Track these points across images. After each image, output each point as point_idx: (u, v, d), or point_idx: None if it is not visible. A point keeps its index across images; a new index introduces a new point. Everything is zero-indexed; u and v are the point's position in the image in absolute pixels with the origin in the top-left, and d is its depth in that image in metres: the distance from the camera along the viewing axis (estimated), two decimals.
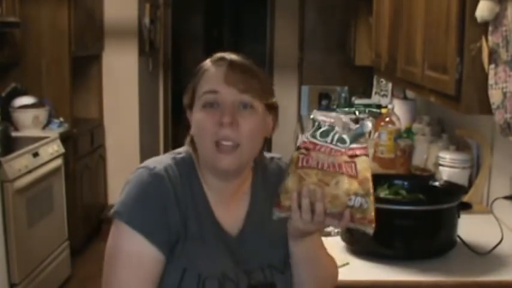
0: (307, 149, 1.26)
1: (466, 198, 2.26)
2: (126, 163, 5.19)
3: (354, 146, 1.26)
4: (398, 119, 3.41)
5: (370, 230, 1.23)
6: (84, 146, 4.85)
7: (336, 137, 1.27)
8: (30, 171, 3.69)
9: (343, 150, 1.25)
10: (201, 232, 1.33)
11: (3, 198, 3.39)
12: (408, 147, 3.12)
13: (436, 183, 2.19)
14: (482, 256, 2.01)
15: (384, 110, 3.50)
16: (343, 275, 1.86)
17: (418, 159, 3.04)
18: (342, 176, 1.23)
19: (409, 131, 3.29)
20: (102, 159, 5.35)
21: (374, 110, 4.59)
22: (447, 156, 2.66)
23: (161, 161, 1.36)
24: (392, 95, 4.31)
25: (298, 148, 1.27)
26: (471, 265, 1.96)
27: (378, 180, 2.21)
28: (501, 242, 2.05)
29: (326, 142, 1.27)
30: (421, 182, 2.24)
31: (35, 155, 3.82)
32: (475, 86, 1.80)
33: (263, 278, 1.37)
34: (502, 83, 1.70)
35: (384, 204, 1.97)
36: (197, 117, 1.33)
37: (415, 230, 1.97)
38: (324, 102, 5.57)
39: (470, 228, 2.14)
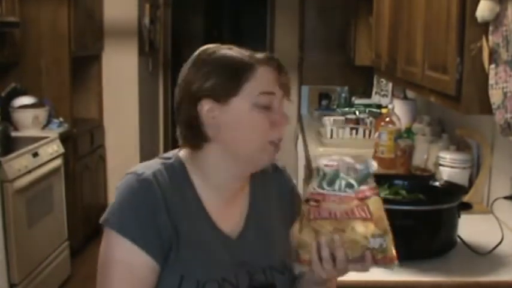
0: (316, 200, 1.25)
1: (466, 198, 2.26)
2: (126, 163, 5.16)
3: (362, 188, 1.26)
4: (398, 119, 3.41)
5: (393, 267, 1.24)
6: (84, 146, 4.85)
7: (343, 183, 1.26)
8: (30, 171, 3.69)
9: (352, 195, 1.25)
10: (195, 237, 1.30)
11: (3, 198, 3.39)
12: (408, 147, 3.11)
13: (436, 183, 2.19)
14: (483, 256, 2.00)
15: (384, 110, 3.49)
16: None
17: (418, 159, 3.03)
18: (356, 221, 1.23)
19: (409, 131, 3.29)
20: (102, 160, 5.35)
21: (374, 110, 4.59)
22: (447, 156, 2.65)
23: (150, 166, 1.32)
24: (393, 95, 4.31)
25: (307, 200, 1.26)
26: (471, 265, 1.95)
27: (378, 180, 2.20)
28: (501, 242, 2.04)
29: (334, 190, 1.26)
30: (421, 182, 2.23)
31: (35, 155, 3.82)
32: (476, 86, 1.79)
33: (264, 279, 1.36)
34: (502, 83, 1.69)
35: (384, 205, 1.96)
36: (249, 117, 1.28)
37: (415, 230, 1.96)
38: (324, 102, 5.57)
39: (470, 228, 2.13)
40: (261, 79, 1.29)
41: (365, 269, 1.25)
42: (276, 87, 1.30)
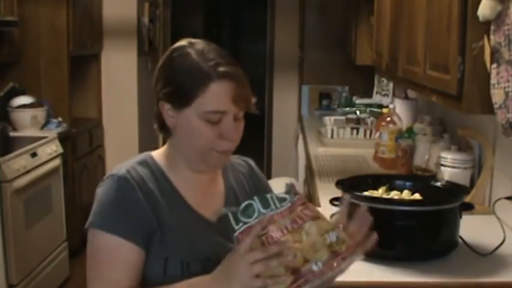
0: (263, 229, 1.22)
1: (467, 199, 2.24)
2: None
3: (296, 197, 1.27)
4: (399, 118, 3.40)
5: (361, 255, 1.26)
6: (82, 146, 4.84)
7: (276, 200, 1.26)
8: (28, 172, 3.68)
9: (290, 205, 1.25)
10: (176, 222, 1.40)
11: (1, 198, 3.38)
12: (409, 147, 3.10)
13: (438, 184, 2.17)
14: (484, 257, 1.99)
15: (385, 110, 3.48)
16: (343, 276, 1.85)
17: (419, 160, 3.02)
18: (308, 224, 1.23)
19: (410, 131, 3.27)
20: (101, 160, 5.33)
21: (375, 109, 4.58)
22: (449, 157, 2.64)
23: (124, 165, 1.44)
24: (394, 95, 4.29)
25: (260, 236, 1.22)
26: (473, 266, 1.94)
27: (379, 180, 2.20)
28: (503, 242, 2.03)
29: (272, 210, 1.24)
30: (422, 183, 2.22)
31: (34, 155, 3.81)
32: (477, 86, 1.78)
33: None
34: (504, 83, 1.68)
35: (385, 205, 1.96)
36: (196, 127, 1.37)
37: (416, 231, 1.96)
38: (325, 102, 5.56)
39: (472, 229, 2.12)
40: (212, 97, 1.35)
41: (341, 271, 1.29)
42: (229, 104, 1.35)
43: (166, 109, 1.40)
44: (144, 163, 1.44)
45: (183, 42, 1.44)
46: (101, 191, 1.40)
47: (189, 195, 1.45)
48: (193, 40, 1.44)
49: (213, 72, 1.35)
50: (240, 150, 1.51)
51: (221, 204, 1.49)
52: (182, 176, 1.46)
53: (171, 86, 1.39)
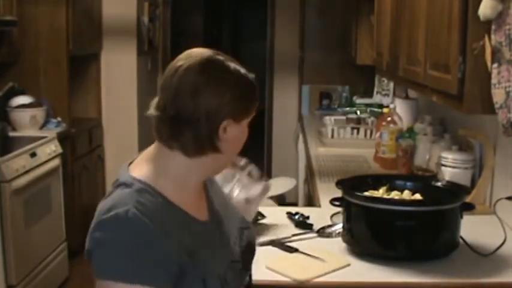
0: None
1: (468, 199, 2.23)
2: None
3: None
4: (400, 118, 3.39)
5: None
6: (82, 146, 4.83)
7: None
8: (27, 172, 3.67)
9: None
10: (195, 240, 1.33)
11: (1, 198, 3.37)
12: (410, 147, 3.09)
13: (438, 184, 2.17)
14: (485, 257, 1.99)
15: (385, 110, 3.47)
16: (344, 276, 1.85)
17: (420, 160, 3.01)
18: None
19: (411, 131, 3.27)
20: (100, 160, 5.32)
21: (375, 109, 4.57)
22: (449, 157, 2.63)
23: (124, 200, 1.27)
24: (394, 95, 4.29)
25: None
26: (474, 266, 1.94)
27: (380, 180, 2.19)
28: (504, 243, 2.02)
29: None
30: (423, 183, 2.21)
31: (33, 155, 3.80)
32: (478, 86, 1.77)
33: (240, 240, 1.50)
34: (505, 82, 1.68)
35: (386, 205, 1.96)
36: (246, 131, 1.41)
37: (417, 231, 1.95)
38: (325, 101, 5.55)
39: (473, 229, 2.12)
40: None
41: None
42: None
43: (224, 127, 1.32)
44: (142, 191, 1.28)
45: (217, 57, 1.38)
46: (110, 237, 1.24)
47: (187, 208, 1.36)
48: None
49: (248, 78, 1.39)
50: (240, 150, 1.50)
51: (206, 206, 1.45)
52: (178, 191, 1.35)
53: (238, 100, 1.34)
